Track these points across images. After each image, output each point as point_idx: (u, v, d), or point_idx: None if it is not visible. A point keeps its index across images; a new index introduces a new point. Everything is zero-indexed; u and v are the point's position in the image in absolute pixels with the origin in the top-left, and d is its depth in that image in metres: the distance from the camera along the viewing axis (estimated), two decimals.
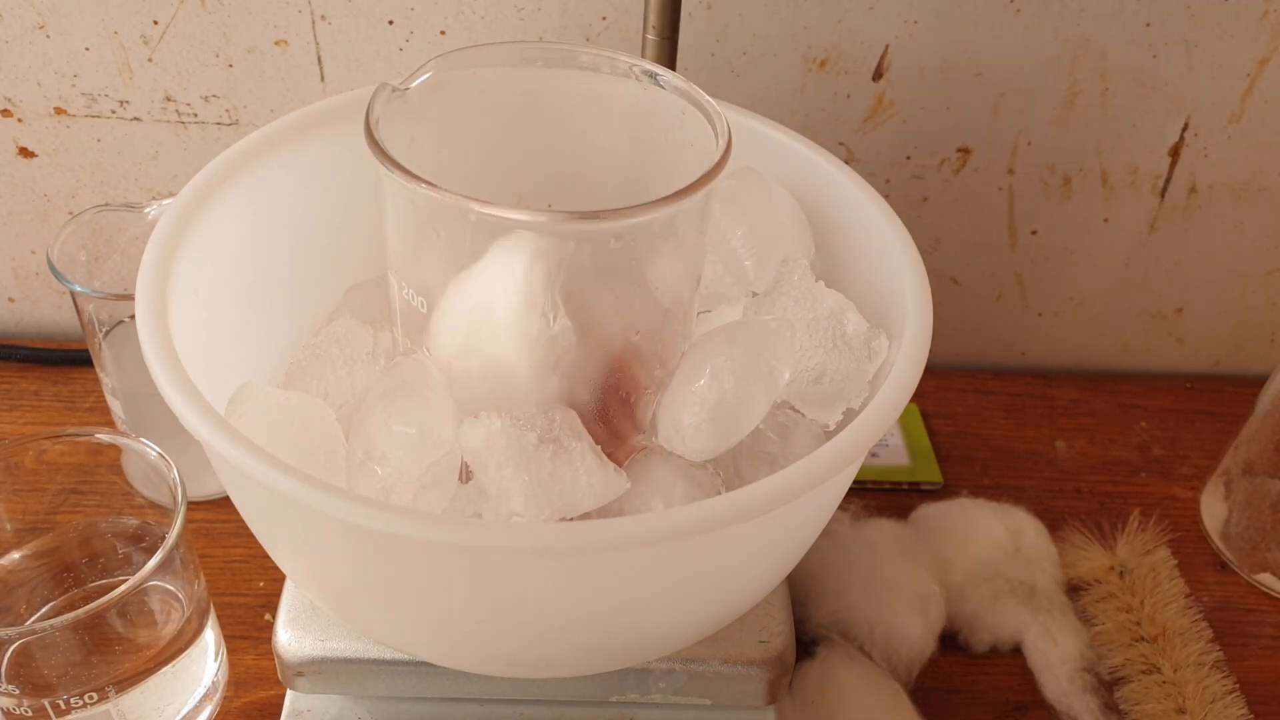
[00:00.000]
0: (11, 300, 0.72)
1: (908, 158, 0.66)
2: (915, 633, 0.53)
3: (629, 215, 0.35)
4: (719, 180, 0.37)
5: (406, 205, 0.38)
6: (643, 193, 0.43)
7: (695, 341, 0.42)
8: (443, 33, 0.61)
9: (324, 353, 0.43)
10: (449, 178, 0.35)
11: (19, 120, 0.64)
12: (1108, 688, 0.55)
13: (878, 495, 0.64)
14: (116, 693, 0.45)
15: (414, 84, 0.40)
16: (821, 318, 0.42)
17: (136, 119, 0.64)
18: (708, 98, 0.40)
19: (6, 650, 0.43)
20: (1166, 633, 0.56)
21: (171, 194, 0.59)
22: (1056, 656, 0.55)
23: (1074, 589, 0.59)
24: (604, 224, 0.35)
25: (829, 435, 0.41)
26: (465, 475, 0.40)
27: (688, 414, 0.40)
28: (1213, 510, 0.64)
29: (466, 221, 0.36)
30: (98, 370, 0.57)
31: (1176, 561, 0.61)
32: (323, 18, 0.60)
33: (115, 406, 0.58)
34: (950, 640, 0.56)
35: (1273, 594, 0.60)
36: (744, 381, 0.40)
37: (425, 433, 0.38)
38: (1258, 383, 0.63)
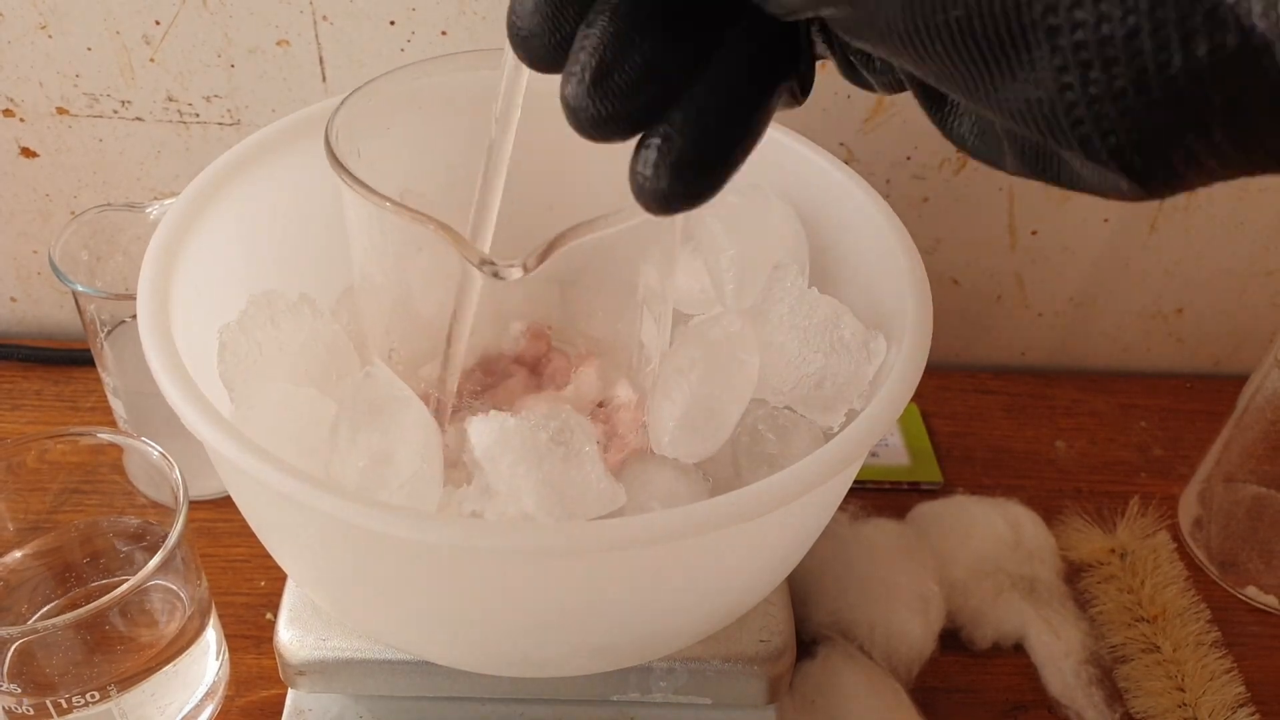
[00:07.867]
0: (13, 300, 0.72)
1: (908, 158, 0.66)
2: (915, 632, 0.54)
3: (606, 224, 0.35)
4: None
5: (374, 222, 0.38)
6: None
7: (671, 348, 0.43)
8: (444, 33, 0.61)
9: (248, 318, 0.43)
10: (437, 183, 0.35)
11: (21, 120, 0.64)
12: (1111, 679, 0.55)
13: (877, 495, 0.64)
14: (118, 692, 0.45)
15: (400, 88, 0.40)
16: (817, 324, 0.42)
17: (138, 119, 0.64)
18: None
19: (8, 649, 0.43)
20: (1166, 613, 0.57)
21: (173, 194, 0.59)
22: (1060, 650, 0.55)
23: (1075, 571, 0.59)
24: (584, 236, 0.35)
25: (830, 436, 0.41)
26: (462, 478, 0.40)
27: (664, 421, 0.41)
28: (1191, 520, 0.63)
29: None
30: (99, 370, 0.57)
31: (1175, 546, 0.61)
32: (324, 18, 0.60)
33: (117, 406, 0.58)
34: (952, 637, 0.56)
35: (1258, 606, 0.60)
36: (708, 380, 0.40)
37: (387, 459, 0.37)
38: None
